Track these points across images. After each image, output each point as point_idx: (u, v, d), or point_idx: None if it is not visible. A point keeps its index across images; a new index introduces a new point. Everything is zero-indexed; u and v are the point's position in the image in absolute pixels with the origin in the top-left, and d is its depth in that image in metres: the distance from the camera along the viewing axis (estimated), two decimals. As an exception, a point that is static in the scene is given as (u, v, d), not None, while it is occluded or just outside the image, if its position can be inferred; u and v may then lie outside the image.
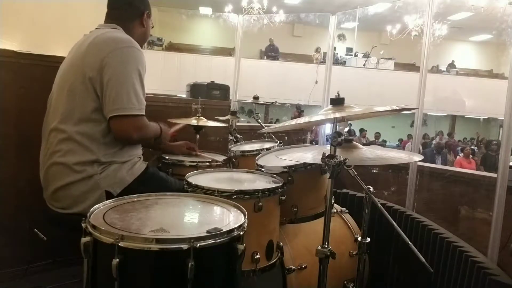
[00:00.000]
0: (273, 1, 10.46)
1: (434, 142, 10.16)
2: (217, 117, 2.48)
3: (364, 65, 12.34)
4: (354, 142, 1.46)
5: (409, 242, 1.55)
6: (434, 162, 7.41)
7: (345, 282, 1.91)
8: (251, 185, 1.62)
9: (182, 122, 2.20)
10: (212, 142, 2.79)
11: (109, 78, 1.48)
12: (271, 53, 12.55)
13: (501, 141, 1.92)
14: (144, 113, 1.55)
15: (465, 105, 12.48)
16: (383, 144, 11.42)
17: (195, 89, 3.81)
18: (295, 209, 1.76)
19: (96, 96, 1.50)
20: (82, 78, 1.50)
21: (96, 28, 1.66)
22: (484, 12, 8.71)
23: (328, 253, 1.35)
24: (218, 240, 1.06)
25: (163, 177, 1.76)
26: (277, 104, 3.41)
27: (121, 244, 0.99)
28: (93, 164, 1.51)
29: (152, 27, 1.84)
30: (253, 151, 2.16)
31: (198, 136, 2.25)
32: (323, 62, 6.20)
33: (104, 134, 1.53)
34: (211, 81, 3.92)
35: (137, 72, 1.53)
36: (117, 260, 0.98)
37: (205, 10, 13.38)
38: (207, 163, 2.03)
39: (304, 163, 1.71)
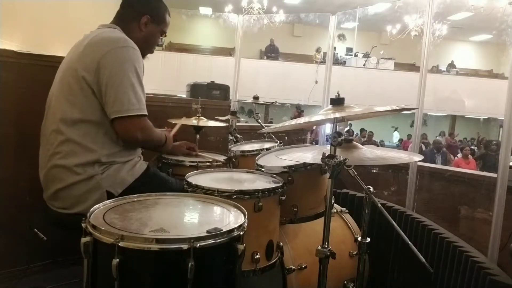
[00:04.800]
0: (273, 1, 10.45)
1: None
2: (217, 117, 2.48)
3: (364, 65, 12.36)
4: (354, 142, 1.46)
5: (409, 242, 1.55)
6: (434, 162, 7.40)
7: (345, 282, 1.91)
8: (251, 185, 1.62)
9: (181, 121, 2.20)
10: (212, 142, 2.79)
11: (107, 80, 1.47)
12: (271, 53, 12.57)
13: (501, 141, 1.93)
14: (146, 113, 1.54)
15: (465, 105, 12.49)
16: (376, 143, 11.38)
17: (195, 89, 3.82)
18: (295, 209, 1.76)
19: (95, 97, 1.50)
20: (80, 79, 1.49)
21: (97, 28, 1.65)
22: (484, 12, 8.72)
23: (328, 253, 1.35)
24: (218, 240, 1.06)
25: (164, 177, 1.76)
26: (277, 104, 3.41)
27: (121, 244, 0.99)
28: (94, 165, 1.51)
29: (164, 35, 1.78)
30: (253, 151, 2.15)
31: (198, 136, 2.25)
32: (323, 62, 6.20)
33: (104, 134, 1.53)
34: (211, 81, 3.92)
35: (134, 71, 1.52)
36: (117, 260, 0.98)
37: (205, 10, 13.38)
38: (207, 163, 2.03)
39: (304, 163, 1.71)
